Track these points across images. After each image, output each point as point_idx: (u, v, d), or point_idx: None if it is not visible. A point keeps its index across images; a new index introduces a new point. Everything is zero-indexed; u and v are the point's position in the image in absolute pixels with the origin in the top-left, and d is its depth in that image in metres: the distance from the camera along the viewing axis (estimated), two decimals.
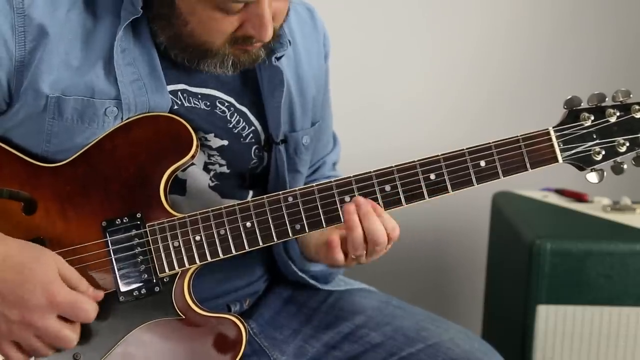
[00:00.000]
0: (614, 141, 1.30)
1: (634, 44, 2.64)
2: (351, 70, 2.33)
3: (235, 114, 1.43)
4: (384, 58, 2.57)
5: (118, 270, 1.29)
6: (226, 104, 1.42)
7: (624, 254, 1.92)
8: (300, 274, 1.53)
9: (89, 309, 1.24)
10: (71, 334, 1.23)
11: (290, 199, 1.30)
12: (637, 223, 2.06)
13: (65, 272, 1.24)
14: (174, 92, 1.37)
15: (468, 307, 2.68)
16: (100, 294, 1.27)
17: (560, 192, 2.34)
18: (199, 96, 1.40)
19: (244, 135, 1.44)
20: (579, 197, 2.28)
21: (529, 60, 2.63)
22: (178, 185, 1.39)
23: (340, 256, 1.34)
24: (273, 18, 1.29)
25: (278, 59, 1.43)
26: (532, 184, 2.34)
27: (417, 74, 2.61)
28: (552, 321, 1.94)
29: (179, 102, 1.38)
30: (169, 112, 1.35)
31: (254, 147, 1.45)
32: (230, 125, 1.42)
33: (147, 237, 1.30)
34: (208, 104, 1.41)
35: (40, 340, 1.22)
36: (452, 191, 1.29)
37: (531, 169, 1.30)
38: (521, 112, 2.62)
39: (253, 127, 1.45)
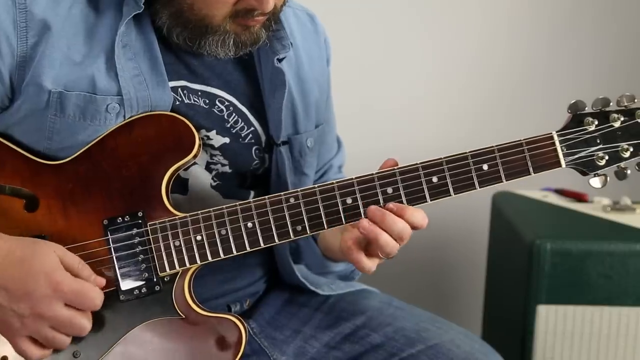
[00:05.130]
0: (617, 146, 1.28)
1: (634, 42, 2.64)
2: (351, 71, 2.33)
3: (234, 114, 1.43)
4: (384, 59, 2.56)
5: (119, 268, 1.29)
6: (226, 103, 1.42)
7: (624, 254, 1.92)
8: (301, 279, 1.53)
9: (95, 297, 1.23)
10: (84, 321, 1.23)
11: (292, 199, 1.29)
12: (637, 223, 2.06)
13: (67, 260, 1.24)
14: (174, 89, 1.37)
15: (468, 307, 2.67)
16: (103, 281, 1.27)
17: (560, 192, 2.34)
18: (199, 93, 1.40)
19: (242, 135, 1.44)
20: (579, 197, 2.28)
21: (529, 60, 2.63)
22: (180, 185, 1.39)
23: (361, 257, 1.29)
24: None
25: (280, 60, 1.43)
26: (532, 184, 2.34)
27: (417, 75, 2.60)
28: (552, 321, 1.94)
29: (180, 99, 1.38)
30: (170, 109, 1.35)
31: (254, 148, 1.45)
32: (228, 125, 1.42)
33: (148, 235, 1.29)
34: (207, 101, 1.40)
35: (56, 331, 1.22)
36: (454, 194, 1.28)
37: (534, 173, 1.28)
38: (521, 112, 2.62)
39: (252, 128, 1.45)
